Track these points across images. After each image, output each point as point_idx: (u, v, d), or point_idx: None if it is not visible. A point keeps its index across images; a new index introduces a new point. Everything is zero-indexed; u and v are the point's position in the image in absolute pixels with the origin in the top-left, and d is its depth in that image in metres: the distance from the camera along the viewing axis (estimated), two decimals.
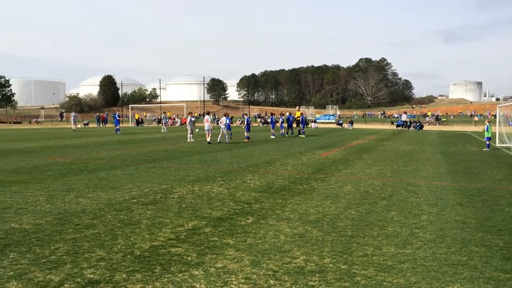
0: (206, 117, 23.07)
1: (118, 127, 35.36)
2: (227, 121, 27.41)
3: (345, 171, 13.14)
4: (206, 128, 22.90)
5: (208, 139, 22.55)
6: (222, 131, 23.07)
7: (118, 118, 36.60)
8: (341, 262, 5.18)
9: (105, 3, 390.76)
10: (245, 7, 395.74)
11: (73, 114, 42.16)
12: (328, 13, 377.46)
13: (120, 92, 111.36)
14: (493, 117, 49.03)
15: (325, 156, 17.23)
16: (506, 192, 9.77)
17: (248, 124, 25.50)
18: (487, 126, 21.61)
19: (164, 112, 43.44)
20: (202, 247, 5.57)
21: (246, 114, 27.90)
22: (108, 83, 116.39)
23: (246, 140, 24.59)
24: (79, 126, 51.58)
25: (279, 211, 7.67)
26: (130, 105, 65.11)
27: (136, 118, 55.94)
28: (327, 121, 62.65)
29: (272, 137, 29.27)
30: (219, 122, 25.19)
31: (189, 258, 5.14)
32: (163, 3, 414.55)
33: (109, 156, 16.17)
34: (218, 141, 22.76)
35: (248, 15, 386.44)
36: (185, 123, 40.45)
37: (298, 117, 33.51)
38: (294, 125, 32.77)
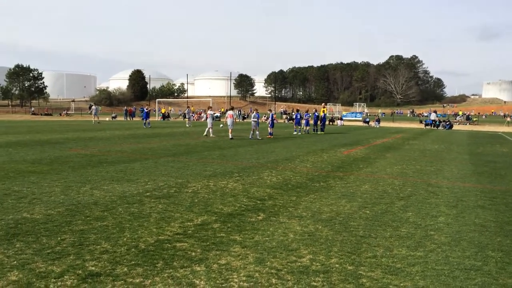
0: (230, 112, 23.02)
1: (146, 121, 35.19)
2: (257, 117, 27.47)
3: (366, 169, 12.87)
4: (228, 123, 22.90)
5: (230, 135, 22.54)
6: (253, 128, 23.04)
7: (146, 111, 36.43)
8: (348, 262, 5.04)
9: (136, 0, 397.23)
10: (276, 2, 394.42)
11: (94, 106, 42.77)
12: (358, 10, 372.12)
13: (148, 86, 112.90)
14: None
15: (347, 154, 16.95)
16: None
17: (272, 120, 25.34)
18: None
19: (188, 107, 43.54)
20: (208, 243, 5.51)
21: (270, 110, 27.73)
22: (137, 77, 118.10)
23: (269, 136, 24.48)
24: (107, 119, 52.60)
25: (291, 209, 7.55)
26: (157, 99, 65.95)
27: (163, 112, 56.58)
28: (354, 118, 61.81)
29: (295, 133, 29.08)
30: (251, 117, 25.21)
31: (193, 254, 5.10)
32: (193, 0, 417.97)
33: (131, 149, 16.36)
34: (250, 137, 22.80)
35: (278, 11, 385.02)
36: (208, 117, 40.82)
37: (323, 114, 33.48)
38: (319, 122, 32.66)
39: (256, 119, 22.93)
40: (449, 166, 14.00)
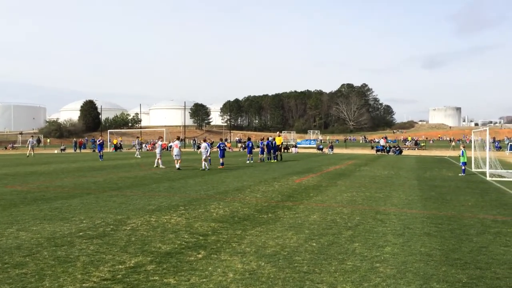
0: (176, 142, 22.46)
1: (101, 153, 32.90)
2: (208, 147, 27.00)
3: (316, 198, 12.72)
4: (174, 153, 22.27)
5: (177, 165, 21.91)
6: (175, 157, 22.32)
7: (99, 143, 33.94)
8: None
9: (89, 28, 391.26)
10: (229, 33, 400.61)
11: (30, 139, 40.97)
12: (310, 39, 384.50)
13: (101, 117, 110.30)
14: (470, 142, 49.49)
15: (299, 183, 16.82)
16: (477, 221, 9.44)
17: (222, 150, 24.96)
18: (462, 151, 21.58)
19: (138, 137, 42.57)
20: None
21: (221, 140, 27.41)
22: (89, 108, 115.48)
23: (221, 166, 24.07)
24: (55, 151, 50.50)
25: (235, 244, 7.17)
26: (108, 130, 64.20)
27: (115, 143, 55.01)
28: (309, 145, 62.59)
29: (248, 162, 28.85)
30: (200, 148, 24.63)
31: None
32: (145, 29, 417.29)
33: (73, 184, 15.48)
34: (202, 168, 22.06)
35: (232, 40, 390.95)
36: (165, 148, 39.73)
37: (280, 143, 33.81)
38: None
39: (206, 149, 22.48)
40: (398, 192, 14.12)
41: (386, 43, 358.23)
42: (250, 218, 9.47)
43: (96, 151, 33.88)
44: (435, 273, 5.80)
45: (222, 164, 24.34)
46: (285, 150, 52.26)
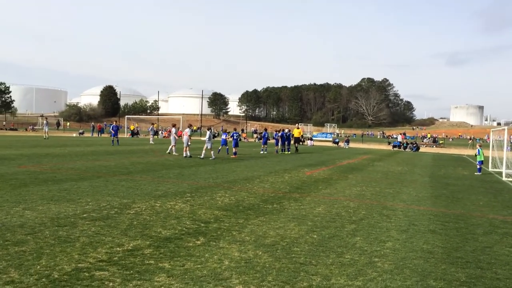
0: (186, 130, 22.41)
1: (113, 138, 32.18)
2: (224, 136, 26.94)
3: (324, 191, 12.64)
4: (184, 141, 22.28)
5: (186, 153, 21.90)
6: (184, 144, 22.16)
7: (114, 129, 33.26)
8: None
9: (113, 14, 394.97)
10: (250, 23, 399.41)
11: (45, 121, 41.38)
12: (332, 33, 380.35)
13: (120, 102, 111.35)
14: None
15: (309, 175, 16.73)
16: (485, 220, 9.26)
17: (236, 139, 24.94)
18: (478, 150, 21.16)
19: (153, 124, 42.83)
20: (132, 272, 5.06)
21: (235, 129, 27.36)
22: (109, 93, 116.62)
23: (234, 156, 24.07)
24: (74, 135, 51.30)
25: (235, 232, 7.17)
26: (126, 116, 64.84)
27: (132, 129, 55.58)
28: (324, 139, 62.19)
29: (262, 152, 28.81)
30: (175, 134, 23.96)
31: (110, 284, 4.64)
32: (169, 17, 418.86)
33: (85, 167, 15.69)
34: (201, 157, 21.75)
35: (252, 31, 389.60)
36: (180, 135, 39.98)
37: (299, 135, 34.93)
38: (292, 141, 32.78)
39: (209, 138, 22.15)
40: (408, 189, 13.93)
41: (409, 38, 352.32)
42: (254, 207, 9.46)
43: (111, 136, 33.37)
44: (433, 271, 5.71)
45: (235, 153, 24.34)
46: (301, 143, 52.02)
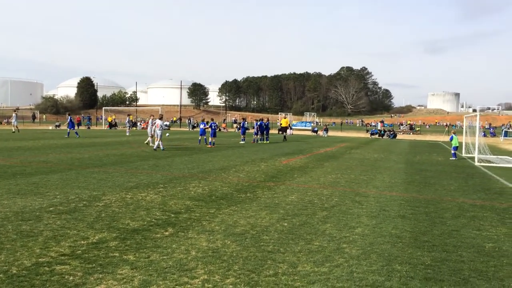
0: (158, 121, 22.00)
1: (70, 130, 30.81)
2: (202, 126, 26.83)
3: (299, 179, 12.66)
4: (157, 133, 21.85)
5: (159, 145, 21.60)
6: (156, 136, 21.20)
7: (72, 121, 32.21)
8: (244, 282, 4.64)
9: (90, 5, 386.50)
10: (228, 12, 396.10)
11: (14, 114, 40.22)
12: (311, 21, 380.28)
13: (98, 94, 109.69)
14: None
15: (286, 164, 16.75)
16: (455, 204, 9.40)
17: (214, 130, 24.80)
18: (452, 136, 21.52)
19: (129, 115, 42.20)
20: (94, 265, 4.96)
21: (212, 119, 27.16)
22: (86, 85, 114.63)
23: (209, 145, 23.91)
24: (50, 127, 50.25)
25: (205, 222, 7.11)
26: (103, 108, 63.82)
27: (109, 120, 54.76)
28: (304, 128, 62.43)
29: (241, 142, 28.76)
30: (153, 126, 22.49)
31: (71, 279, 4.53)
32: (147, 5, 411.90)
33: (57, 160, 15.37)
34: (154, 148, 20.84)
35: (231, 20, 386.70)
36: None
37: (286, 124, 36.56)
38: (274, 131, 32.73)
39: (161, 128, 21.21)
40: (382, 175, 14.06)
41: (388, 26, 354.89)
42: (227, 197, 9.41)
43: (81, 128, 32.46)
44: (399, 255, 5.76)
45: (212, 143, 24.20)
46: (280, 132, 52.11)
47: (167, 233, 6.41)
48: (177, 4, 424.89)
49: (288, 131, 50.44)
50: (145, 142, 23.92)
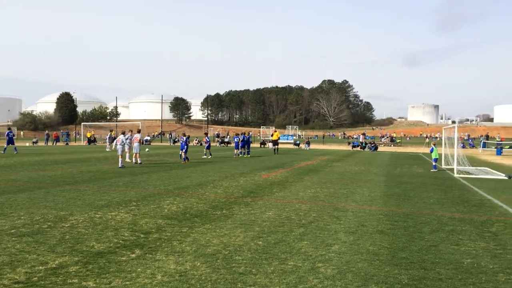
0: (136, 135, 21.55)
1: (6, 146, 29.52)
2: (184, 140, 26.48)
3: (278, 194, 12.42)
4: (135, 147, 21.42)
5: (137, 160, 21.21)
6: (134, 151, 20.50)
7: (11, 136, 30.97)
8: None
9: (67, 19, 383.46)
10: (210, 27, 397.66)
11: None
12: (291, 35, 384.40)
13: (78, 109, 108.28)
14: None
15: (265, 178, 16.50)
16: (434, 218, 9.25)
17: (186, 144, 24.31)
18: (432, 148, 21.62)
19: (111, 131, 41.65)
20: None
21: (184, 134, 26.67)
22: (65, 100, 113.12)
23: (184, 161, 23.36)
24: (27, 144, 49.14)
25: (176, 242, 6.79)
26: (82, 123, 62.82)
27: (88, 136, 53.86)
28: (286, 141, 62.42)
29: (204, 157, 28.02)
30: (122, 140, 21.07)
31: None
32: (127, 20, 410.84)
33: (27, 178, 14.84)
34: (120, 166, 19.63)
35: (213, 35, 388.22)
36: (141, 142, 38.59)
37: (277, 138, 36.80)
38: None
39: (122, 143, 20.42)
40: (362, 189, 13.91)
41: (368, 39, 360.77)
42: (202, 214, 9.10)
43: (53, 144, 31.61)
44: (376, 274, 5.53)
45: (185, 159, 23.50)
46: (262, 146, 52.00)
47: (133, 255, 6.07)
48: (158, 18, 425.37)
49: (270, 144, 50.41)
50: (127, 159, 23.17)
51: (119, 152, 19.88)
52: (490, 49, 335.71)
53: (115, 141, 21.52)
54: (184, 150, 23.88)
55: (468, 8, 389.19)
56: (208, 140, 29.24)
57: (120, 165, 19.41)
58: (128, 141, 22.31)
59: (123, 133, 21.23)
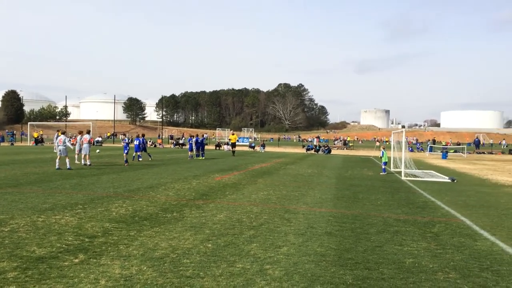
0: (86, 136, 20.90)
1: None
2: (137, 142, 25.80)
3: (230, 196, 12.40)
4: (84, 147, 20.68)
5: (88, 162, 20.53)
6: (60, 154, 19.20)
7: None
8: None
9: (13, 14, 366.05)
10: (165, 27, 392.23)
11: None
12: (249, 38, 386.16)
13: (25, 108, 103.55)
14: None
15: (219, 180, 16.44)
16: (380, 219, 9.55)
17: (126, 146, 23.35)
18: (382, 152, 22.34)
19: (58, 131, 39.98)
20: None
21: (124, 135, 25.53)
22: (11, 99, 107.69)
23: (125, 164, 22.24)
24: None
25: (123, 246, 6.62)
26: (29, 123, 60.07)
27: (35, 136, 51.62)
28: (241, 143, 62.48)
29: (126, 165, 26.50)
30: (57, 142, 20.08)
31: None
32: (76, 16, 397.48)
33: None
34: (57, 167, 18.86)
35: (168, 34, 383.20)
36: (91, 143, 36.87)
37: (234, 140, 37.82)
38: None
39: (64, 145, 19.38)
40: (314, 191, 14.15)
41: (321, 46, 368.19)
42: (152, 217, 8.93)
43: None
44: (322, 274, 5.63)
45: (126, 161, 22.67)
46: (217, 148, 51.81)
47: (77, 260, 5.87)
48: (109, 16, 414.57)
49: (225, 146, 50.38)
50: (76, 161, 22.17)
51: (64, 153, 19.02)
52: (437, 59, 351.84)
53: (56, 141, 20.49)
54: (124, 151, 22.79)
55: (414, 22, 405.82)
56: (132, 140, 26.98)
57: (68, 167, 18.70)
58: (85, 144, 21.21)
59: (64, 133, 20.43)
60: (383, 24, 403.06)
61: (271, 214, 9.79)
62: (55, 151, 34.55)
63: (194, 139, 31.09)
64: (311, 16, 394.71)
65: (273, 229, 8.21)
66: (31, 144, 50.89)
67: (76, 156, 22.31)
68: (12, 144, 50.67)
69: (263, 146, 50.19)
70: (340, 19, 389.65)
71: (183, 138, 61.90)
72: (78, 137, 23.06)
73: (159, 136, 79.57)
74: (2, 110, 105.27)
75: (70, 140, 19.84)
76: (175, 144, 54.23)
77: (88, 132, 20.65)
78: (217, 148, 51.56)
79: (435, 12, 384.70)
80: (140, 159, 25.85)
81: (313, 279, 5.45)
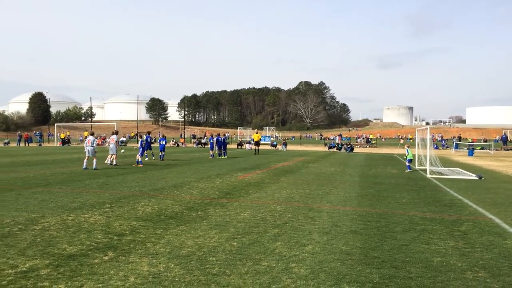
0: (112, 136, 21.28)
1: None
2: (163, 142, 26.32)
3: (254, 195, 12.45)
4: (111, 148, 21.10)
5: (113, 161, 20.83)
6: (88, 155, 19.25)
7: None
8: None
9: (43, 17, 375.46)
10: (184, 27, 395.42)
11: None
12: (270, 37, 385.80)
13: (51, 110, 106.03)
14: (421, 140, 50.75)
15: (242, 179, 16.52)
16: (406, 218, 9.45)
17: (142, 147, 23.00)
18: (407, 150, 22.05)
19: (86, 131, 40.98)
20: None
21: (141, 136, 25.10)
22: (38, 101, 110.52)
23: (138, 165, 21.71)
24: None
25: (150, 244, 6.75)
26: (56, 124, 61.51)
27: (62, 137, 52.81)
28: (263, 142, 62.54)
29: (146, 159, 25.93)
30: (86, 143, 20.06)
31: None
32: (101, 19, 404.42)
33: None
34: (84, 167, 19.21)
35: (189, 35, 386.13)
36: (99, 144, 37.62)
37: (258, 139, 38.77)
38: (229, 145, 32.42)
39: (93, 145, 19.43)
40: (337, 189, 14.08)
41: (343, 43, 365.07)
42: (177, 216, 9.06)
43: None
44: (348, 273, 5.62)
45: (138, 162, 22.05)
46: (239, 147, 52.00)
47: (106, 257, 6.01)
48: (132, 19, 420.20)
49: (247, 145, 50.53)
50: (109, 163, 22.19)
51: (92, 153, 19.39)
52: (462, 54, 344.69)
53: (85, 142, 20.90)
54: (139, 153, 22.75)
55: (439, 15, 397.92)
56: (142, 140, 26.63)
57: (94, 167, 19.08)
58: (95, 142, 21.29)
59: (92, 134, 20.88)
60: (407, 18, 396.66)
61: (295, 212, 9.80)
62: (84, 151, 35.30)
63: (215, 139, 31.31)
64: (333, 11, 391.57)
65: (297, 228, 8.22)
66: (58, 145, 52.10)
67: (110, 157, 22.02)
68: (40, 145, 51.98)
69: (285, 144, 50.11)
70: (362, 15, 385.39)
71: (205, 137, 62.32)
72: (114, 137, 22.71)
73: (181, 135, 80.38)
74: (29, 112, 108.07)
75: (95, 140, 20.13)
76: (197, 143, 54.69)
77: (115, 133, 20.98)
78: (239, 147, 51.74)
79: (460, 5, 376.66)
80: (153, 158, 26.26)
81: (339, 278, 5.44)
